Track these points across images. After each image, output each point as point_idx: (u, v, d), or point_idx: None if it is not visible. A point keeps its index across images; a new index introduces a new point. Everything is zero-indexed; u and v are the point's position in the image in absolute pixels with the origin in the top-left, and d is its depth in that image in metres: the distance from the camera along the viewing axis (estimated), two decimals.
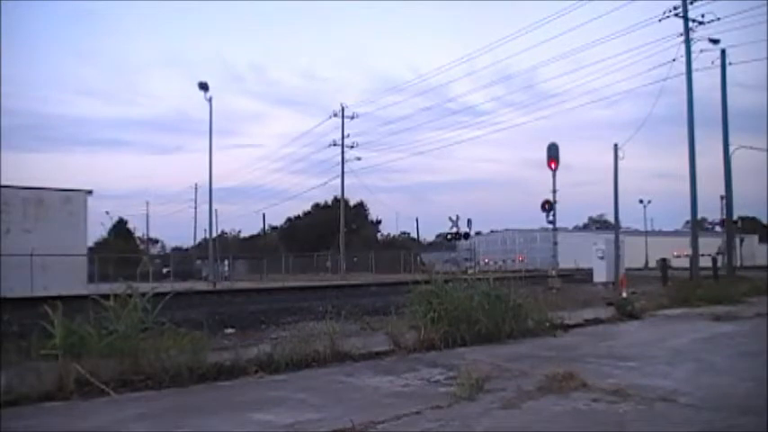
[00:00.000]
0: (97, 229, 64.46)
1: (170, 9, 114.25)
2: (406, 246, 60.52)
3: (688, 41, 21.98)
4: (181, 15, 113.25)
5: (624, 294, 12.54)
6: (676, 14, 22.27)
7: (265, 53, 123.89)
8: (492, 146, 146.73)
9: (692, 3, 22.12)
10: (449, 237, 38.12)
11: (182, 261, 54.66)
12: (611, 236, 23.32)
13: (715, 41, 22.36)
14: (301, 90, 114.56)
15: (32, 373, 5.07)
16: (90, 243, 34.39)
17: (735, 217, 27.65)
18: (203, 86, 31.53)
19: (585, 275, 25.29)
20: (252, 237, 78.68)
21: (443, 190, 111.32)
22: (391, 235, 73.71)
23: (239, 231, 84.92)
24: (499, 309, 8.27)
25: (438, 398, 4.91)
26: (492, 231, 67.96)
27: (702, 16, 22.03)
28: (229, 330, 9.39)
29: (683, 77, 21.86)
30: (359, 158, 48.77)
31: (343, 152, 47.98)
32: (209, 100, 31.70)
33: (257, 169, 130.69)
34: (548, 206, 22.26)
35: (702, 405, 4.66)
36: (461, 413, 4.48)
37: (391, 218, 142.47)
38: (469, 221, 36.38)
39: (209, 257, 37.11)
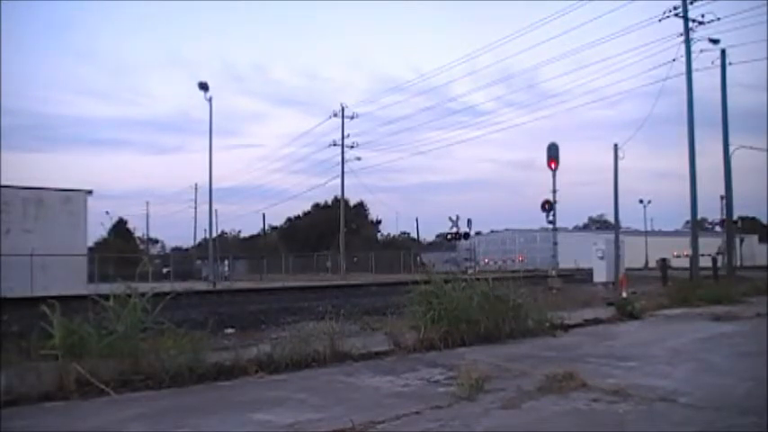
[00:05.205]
0: (97, 229, 64.64)
1: (170, 9, 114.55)
2: (406, 246, 60.52)
3: (688, 41, 21.99)
4: (181, 15, 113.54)
5: (624, 294, 12.53)
6: (676, 14, 22.28)
7: (266, 53, 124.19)
8: (492, 146, 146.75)
9: (692, 3, 22.13)
10: (449, 237, 38.19)
11: (182, 261, 54.63)
12: (611, 236, 23.33)
13: (715, 41, 22.39)
14: (302, 90, 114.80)
15: (32, 373, 5.06)
16: (90, 243, 34.36)
17: (735, 217, 27.65)
18: (203, 86, 31.57)
19: (585, 275, 25.30)
20: (252, 237, 78.78)
21: (443, 190, 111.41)
22: (391, 235, 73.78)
23: (239, 231, 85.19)
24: (499, 309, 8.27)
25: (438, 398, 4.91)
26: (492, 231, 67.90)
27: (702, 16, 22.07)
28: (229, 330, 9.38)
29: (683, 77, 21.91)
30: (359, 158, 48.89)
31: (343, 152, 48.04)
32: (210, 100, 31.76)
33: (257, 169, 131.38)
34: (548, 206, 22.27)
35: (702, 405, 4.66)
36: (461, 413, 4.48)
37: (391, 218, 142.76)
38: (469, 221, 36.53)
39: (209, 257, 37.07)
